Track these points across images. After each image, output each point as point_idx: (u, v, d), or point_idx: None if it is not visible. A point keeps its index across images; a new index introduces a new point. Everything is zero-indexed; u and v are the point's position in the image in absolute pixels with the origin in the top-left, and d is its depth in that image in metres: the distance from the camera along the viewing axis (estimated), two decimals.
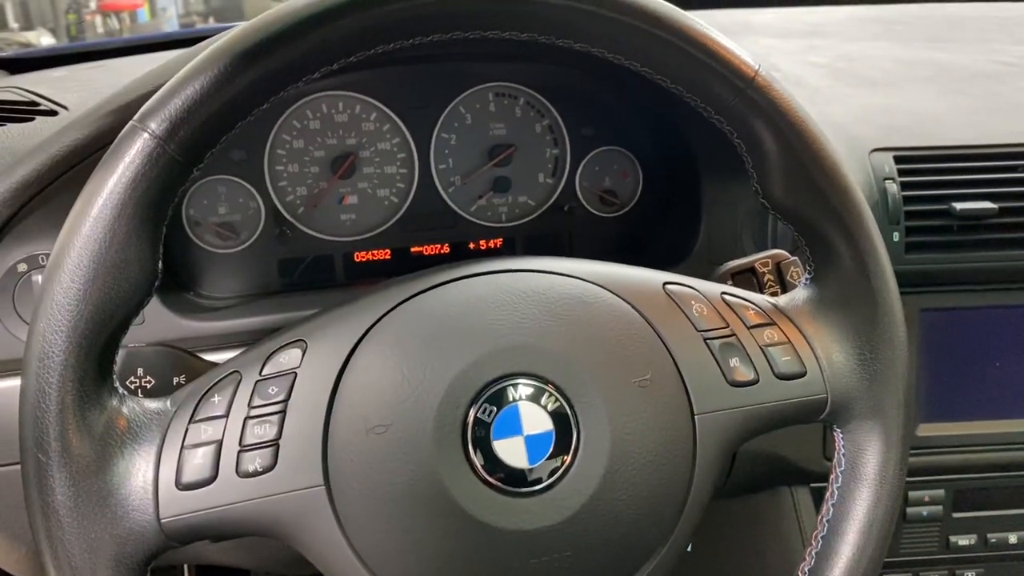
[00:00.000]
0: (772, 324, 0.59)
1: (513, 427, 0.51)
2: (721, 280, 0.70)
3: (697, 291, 0.59)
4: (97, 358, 0.48)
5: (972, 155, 0.91)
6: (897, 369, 0.59)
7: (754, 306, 0.60)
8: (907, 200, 0.88)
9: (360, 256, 0.95)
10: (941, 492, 0.98)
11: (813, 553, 0.60)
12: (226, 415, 0.51)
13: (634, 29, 0.51)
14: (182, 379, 0.62)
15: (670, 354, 0.56)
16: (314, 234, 0.93)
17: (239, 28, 0.48)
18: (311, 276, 0.94)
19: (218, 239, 0.90)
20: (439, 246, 0.96)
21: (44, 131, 0.81)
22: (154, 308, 0.79)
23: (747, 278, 0.71)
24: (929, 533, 1.00)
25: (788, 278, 0.71)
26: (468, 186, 0.96)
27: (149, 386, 0.61)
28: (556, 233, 0.99)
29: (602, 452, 0.52)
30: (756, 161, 0.57)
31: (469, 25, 0.50)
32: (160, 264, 0.49)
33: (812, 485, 1.00)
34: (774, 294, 0.68)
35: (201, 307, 0.86)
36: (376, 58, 0.50)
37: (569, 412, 0.52)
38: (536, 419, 0.52)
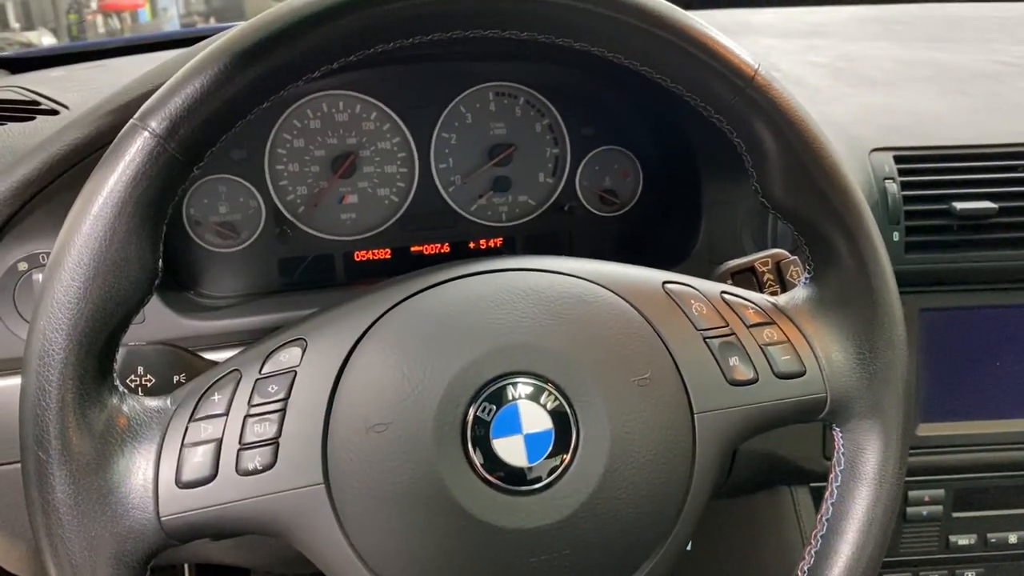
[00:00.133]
0: (772, 323, 0.59)
1: (513, 426, 0.51)
2: (721, 279, 0.70)
3: (697, 290, 0.59)
4: (97, 356, 0.48)
5: (972, 155, 0.91)
6: (896, 368, 0.59)
7: (754, 305, 0.60)
8: (907, 200, 0.88)
9: (360, 255, 0.95)
10: (941, 492, 0.98)
11: (812, 552, 0.60)
12: (226, 413, 0.51)
13: (634, 28, 0.51)
14: (182, 378, 0.62)
15: (670, 353, 0.56)
16: (314, 233, 0.93)
17: (239, 27, 0.48)
18: (311, 275, 0.94)
19: (218, 238, 0.90)
20: (439, 245, 0.97)
21: (45, 130, 0.81)
22: (154, 307, 0.79)
23: (747, 277, 0.71)
24: (929, 533, 1.00)
25: (788, 277, 0.71)
26: (468, 185, 0.96)
27: (149, 384, 0.61)
28: (556, 233, 0.99)
29: (601, 451, 0.52)
30: (756, 160, 0.57)
31: (469, 24, 0.50)
32: (160, 263, 0.49)
33: (812, 485, 1.00)
34: (774, 293, 0.68)
35: (201, 306, 0.86)
36: (376, 57, 0.50)
37: (568, 411, 0.53)
38: (535, 418, 0.52)
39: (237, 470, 0.50)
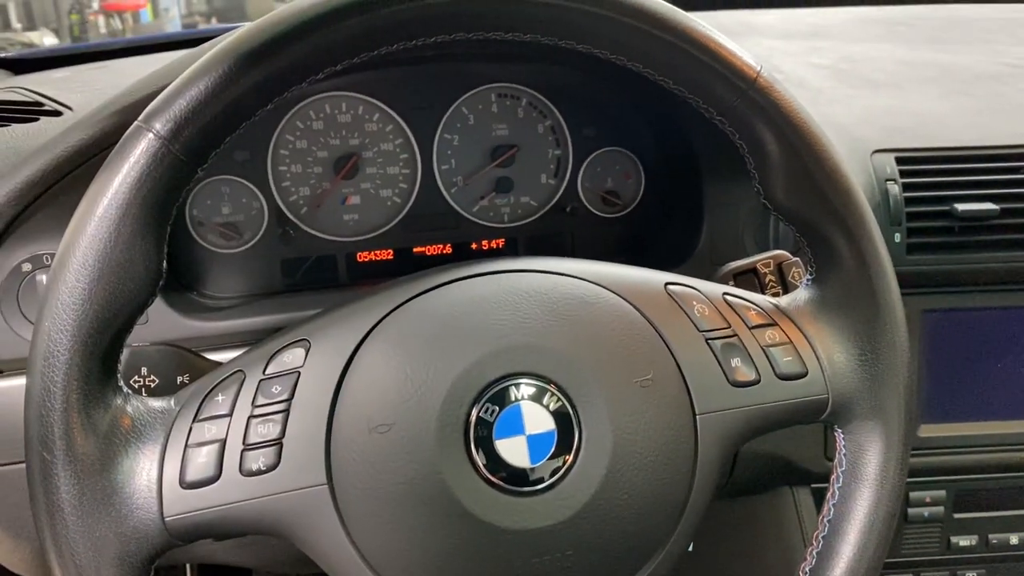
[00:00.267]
0: (774, 324, 0.59)
1: (515, 427, 0.52)
2: (723, 281, 0.70)
3: (699, 291, 0.59)
4: (102, 357, 0.48)
5: (974, 156, 0.91)
6: (898, 370, 0.59)
7: (756, 307, 0.60)
8: (909, 201, 0.88)
9: (363, 256, 0.95)
10: (942, 493, 0.98)
11: (814, 553, 0.60)
12: (230, 414, 0.51)
13: (636, 30, 0.51)
14: (186, 378, 0.62)
15: (672, 354, 0.56)
16: (317, 234, 0.93)
17: (243, 29, 0.48)
18: (314, 276, 0.94)
19: (221, 239, 0.90)
20: (441, 246, 0.97)
21: (48, 131, 0.82)
22: (158, 307, 0.79)
23: (749, 279, 0.71)
24: (930, 534, 1.00)
25: (790, 279, 0.71)
26: (470, 187, 0.97)
27: (153, 385, 0.61)
28: (558, 234, 0.99)
29: (604, 452, 0.53)
30: (758, 162, 0.57)
31: (472, 27, 0.50)
32: (164, 264, 0.49)
33: (813, 485, 1.00)
34: (776, 295, 0.68)
35: (204, 307, 0.86)
36: (379, 59, 0.50)
37: (571, 412, 0.53)
38: (538, 419, 0.52)
39: (241, 471, 0.50)
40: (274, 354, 0.53)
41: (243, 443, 0.50)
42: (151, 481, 0.49)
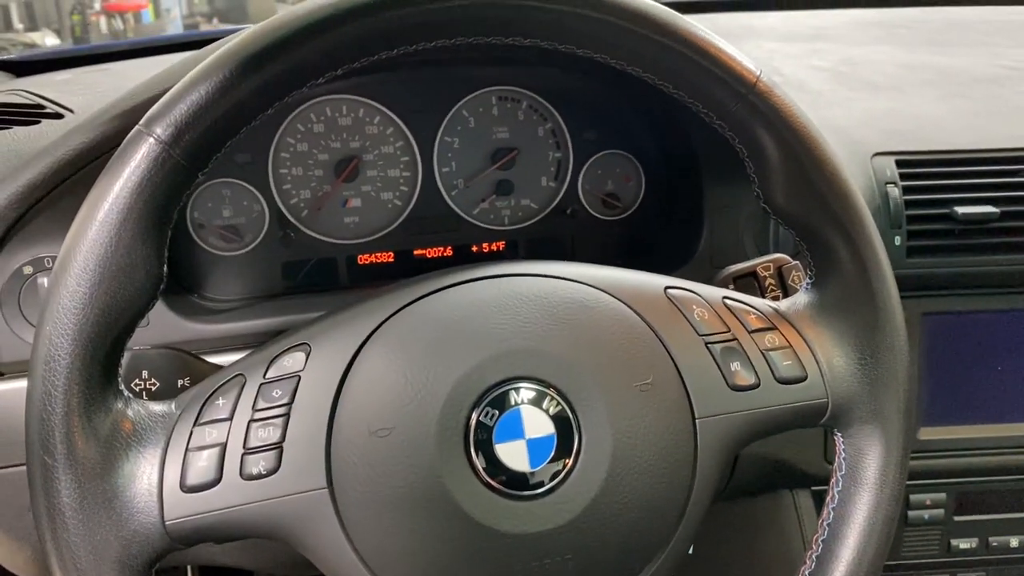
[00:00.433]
0: (773, 328, 0.59)
1: (515, 431, 0.52)
2: (723, 284, 0.70)
3: (698, 295, 0.59)
4: (103, 362, 0.48)
5: (974, 159, 0.91)
6: (898, 374, 0.59)
7: (755, 310, 0.60)
8: (909, 204, 0.88)
9: (363, 259, 0.95)
10: (942, 495, 0.98)
11: (813, 557, 0.60)
12: (230, 418, 0.51)
13: (636, 35, 0.51)
14: (186, 382, 0.62)
15: (671, 358, 0.56)
16: (318, 237, 0.94)
17: (244, 33, 0.48)
18: (314, 279, 0.94)
19: (222, 242, 0.90)
20: (442, 249, 0.97)
21: (49, 134, 0.82)
22: (159, 310, 0.79)
23: (749, 282, 0.71)
24: (930, 536, 1.00)
25: (790, 282, 0.72)
26: (471, 189, 0.97)
27: (154, 388, 0.61)
28: (558, 236, 0.99)
29: (604, 456, 0.53)
30: (758, 166, 0.57)
31: (472, 31, 0.50)
32: (165, 268, 0.49)
33: (813, 488, 1.00)
34: (776, 298, 0.68)
35: (205, 309, 0.86)
36: (379, 62, 0.50)
37: (571, 416, 0.53)
38: (538, 423, 0.52)
39: (241, 474, 0.50)
40: (274, 358, 0.53)
41: (244, 447, 0.50)
42: (152, 485, 0.49)
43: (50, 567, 0.48)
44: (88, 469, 0.47)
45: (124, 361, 0.51)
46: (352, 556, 0.51)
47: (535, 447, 0.52)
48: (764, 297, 0.69)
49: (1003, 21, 1.41)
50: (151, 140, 0.46)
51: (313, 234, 0.93)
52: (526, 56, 0.90)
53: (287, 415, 0.51)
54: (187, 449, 0.50)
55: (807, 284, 0.62)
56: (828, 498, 0.60)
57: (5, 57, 1.25)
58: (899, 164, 0.90)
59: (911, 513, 0.98)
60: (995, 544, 1.00)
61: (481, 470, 0.51)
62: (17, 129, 0.85)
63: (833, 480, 0.60)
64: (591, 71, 0.92)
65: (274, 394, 0.52)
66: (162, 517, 0.49)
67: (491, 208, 0.97)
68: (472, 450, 0.51)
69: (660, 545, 0.55)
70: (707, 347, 0.57)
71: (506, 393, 0.52)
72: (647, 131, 0.98)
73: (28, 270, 0.75)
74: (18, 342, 0.76)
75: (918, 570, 1.02)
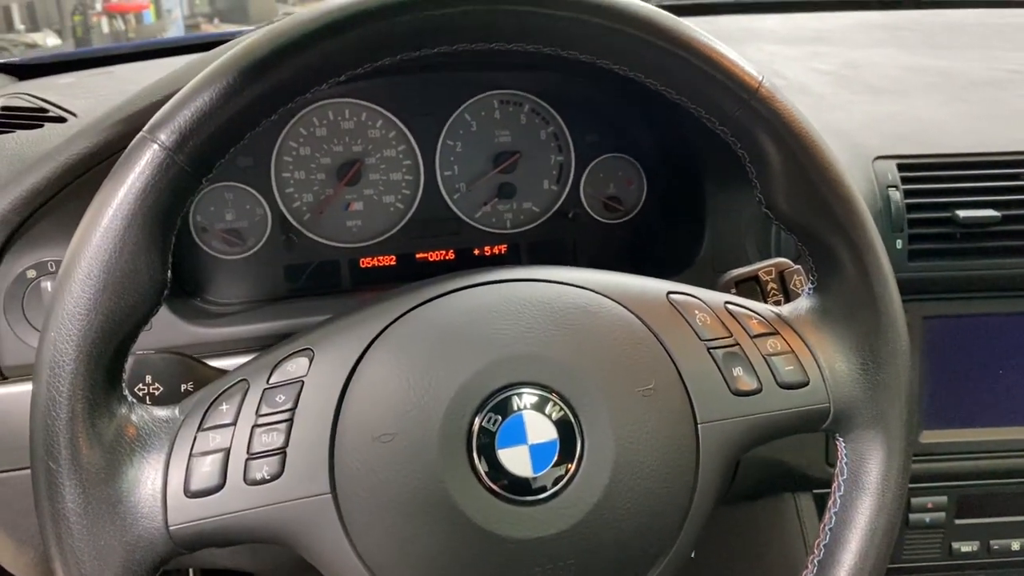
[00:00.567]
0: (775, 333, 0.59)
1: (518, 436, 0.52)
2: (725, 288, 0.70)
3: (701, 300, 0.60)
4: (107, 367, 0.48)
5: (975, 163, 0.91)
6: (900, 379, 0.59)
7: (757, 315, 0.60)
8: (910, 208, 0.88)
9: (366, 262, 0.95)
10: (944, 499, 0.98)
11: (815, 561, 0.60)
12: (234, 423, 0.51)
13: (638, 41, 0.51)
14: (190, 386, 0.62)
15: (674, 363, 0.56)
16: (320, 240, 0.94)
17: (248, 40, 0.48)
18: (317, 282, 0.94)
19: (225, 245, 0.91)
20: (444, 252, 0.97)
21: (53, 138, 0.82)
22: (162, 314, 0.78)
23: (751, 286, 0.71)
24: (932, 540, 1.00)
25: (792, 287, 0.72)
26: (473, 193, 0.97)
27: (157, 393, 0.61)
28: (560, 240, 1.00)
29: (606, 461, 0.53)
30: (759, 171, 0.57)
31: (475, 38, 0.50)
32: (169, 274, 0.50)
33: (815, 491, 1.00)
34: (777, 303, 0.68)
35: (208, 313, 0.86)
36: (382, 67, 0.50)
37: (573, 421, 0.53)
38: (540, 428, 0.52)
39: (245, 479, 0.50)
40: (278, 363, 0.54)
41: (247, 452, 0.50)
42: (156, 490, 0.49)
43: (54, 571, 0.48)
44: (92, 474, 0.47)
45: (128, 366, 0.51)
46: (355, 561, 0.51)
47: (538, 452, 0.52)
48: (766, 301, 0.69)
49: (1003, 23, 1.41)
50: (155, 146, 0.47)
51: (315, 237, 0.94)
52: (528, 60, 0.90)
53: (291, 420, 0.51)
54: (191, 454, 0.50)
55: (809, 288, 0.62)
56: (830, 502, 0.60)
57: (8, 60, 1.25)
58: (901, 168, 0.90)
59: (912, 516, 0.98)
60: (996, 548, 1.00)
61: (484, 475, 0.51)
62: (20, 133, 0.85)
63: (835, 484, 0.60)
64: (593, 75, 0.92)
65: (278, 399, 0.52)
66: (166, 522, 0.49)
67: (493, 211, 0.98)
68: (475, 455, 0.51)
69: (662, 550, 0.55)
70: (709, 352, 0.57)
71: (509, 398, 0.52)
72: (649, 134, 0.98)
73: (32, 274, 0.75)
74: (22, 346, 0.76)
75: (919, 573, 1.02)
